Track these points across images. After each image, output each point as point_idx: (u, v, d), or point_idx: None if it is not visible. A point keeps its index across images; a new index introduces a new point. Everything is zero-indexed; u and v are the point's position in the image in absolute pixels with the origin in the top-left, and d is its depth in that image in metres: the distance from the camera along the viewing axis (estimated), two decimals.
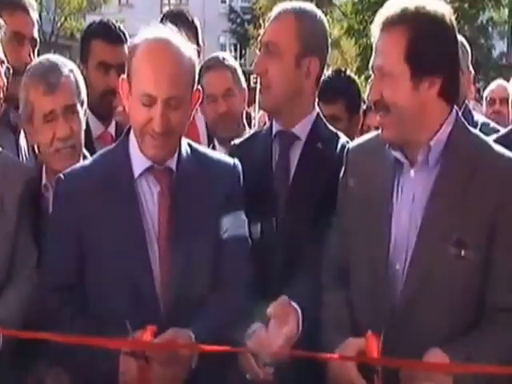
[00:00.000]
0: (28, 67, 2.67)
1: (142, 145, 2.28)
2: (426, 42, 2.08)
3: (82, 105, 2.59)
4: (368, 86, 2.19)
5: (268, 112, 2.63)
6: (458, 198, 2.09)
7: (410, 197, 2.16)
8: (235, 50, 37.09)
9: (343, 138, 2.63)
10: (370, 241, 2.19)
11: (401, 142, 2.17)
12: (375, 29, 2.15)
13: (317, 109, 2.64)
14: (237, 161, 2.47)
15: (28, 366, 2.39)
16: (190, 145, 2.41)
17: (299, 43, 2.50)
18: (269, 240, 2.45)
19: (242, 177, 2.44)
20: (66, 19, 27.88)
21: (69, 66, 2.59)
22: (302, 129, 2.56)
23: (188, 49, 2.28)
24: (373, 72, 2.16)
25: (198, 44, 3.55)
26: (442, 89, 2.10)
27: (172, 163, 2.32)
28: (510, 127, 2.77)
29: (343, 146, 2.55)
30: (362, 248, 2.22)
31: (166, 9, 32.76)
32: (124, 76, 2.29)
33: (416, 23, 2.09)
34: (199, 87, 2.35)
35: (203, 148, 2.56)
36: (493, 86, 5.24)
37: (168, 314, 2.23)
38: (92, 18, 3.61)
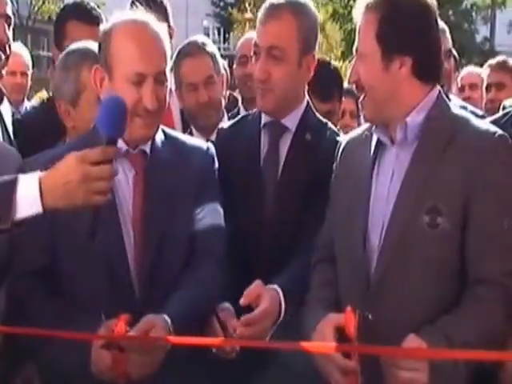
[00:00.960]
0: (66, 52, 2.68)
1: (129, 127, 2.22)
2: (394, 21, 2.13)
3: None
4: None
5: (268, 113, 2.58)
6: (433, 169, 2.11)
7: (390, 173, 2.19)
8: (219, 33, 36.97)
9: (332, 127, 2.63)
10: (349, 219, 2.22)
11: (379, 121, 2.22)
12: (357, 13, 2.21)
13: (306, 97, 2.62)
14: (210, 145, 2.49)
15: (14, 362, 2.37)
16: (162, 129, 2.42)
17: (301, 43, 2.49)
18: (257, 230, 2.45)
19: (216, 160, 2.46)
20: (43, 2, 27.41)
21: None
22: (291, 119, 2.56)
23: (162, 28, 2.31)
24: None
25: (169, 26, 3.52)
26: (414, 68, 2.14)
27: (146, 147, 2.33)
28: (502, 112, 2.75)
29: (332, 136, 2.57)
30: (342, 228, 2.25)
31: None
32: (97, 65, 2.29)
33: (388, 5, 2.15)
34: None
35: (176, 132, 2.57)
36: (463, 73, 5.26)
37: (142, 296, 2.24)
38: (71, 1, 3.58)
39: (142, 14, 2.31)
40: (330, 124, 2.64)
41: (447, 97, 3.50)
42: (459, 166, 2.08)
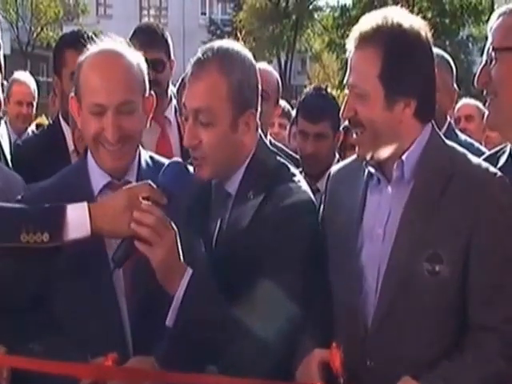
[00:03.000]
0: None
1: (97, 158, 2.23)
2: (401, 63, 2.06)
3: None
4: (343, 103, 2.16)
5: (207, 180, 2.35)
6: (432, 212, 2.06)
7: (387, 212, 2.13)
8: None
9: (288, 169, 2.31)
10: (341, 260, 2.16)
11: (372, 159, 2.15)
12: (350, 44, 2.12)
13: (253, 150, 2.30)
14: None
15: None
16: (151, 157, 2.36)
17: (233, 103, 2.19)
18: None
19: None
20: (42, 29, 27.78)
21: None
22: (233, 182, 2.31)
23: (134, 56, 2.26)
24: (348, 89, 2.13)
25: (169, 58, 3.49)
26: (417, 109, 2.09)
27: (132, 177, 2.27)
28: (498, 147, 2.69)
29: (284, 183, 2.26)
30: (335, 269, 2.19)
31: (145, 19, 32.81)
32: (72, 94, 2.27)
33: (391, 41, 2.06)
34: (152, 93, 2.28)
35: (166, 160, 2.41)
36: (459, 104, 5.21)
37: (134, 336, 2.18)
38: (69, 28, 3.62)
39: (116, 44, 2.27)
40: (287, 167, 2.32)
41: (454, 132, 3.47)
42: (459, 209, 2.03)
